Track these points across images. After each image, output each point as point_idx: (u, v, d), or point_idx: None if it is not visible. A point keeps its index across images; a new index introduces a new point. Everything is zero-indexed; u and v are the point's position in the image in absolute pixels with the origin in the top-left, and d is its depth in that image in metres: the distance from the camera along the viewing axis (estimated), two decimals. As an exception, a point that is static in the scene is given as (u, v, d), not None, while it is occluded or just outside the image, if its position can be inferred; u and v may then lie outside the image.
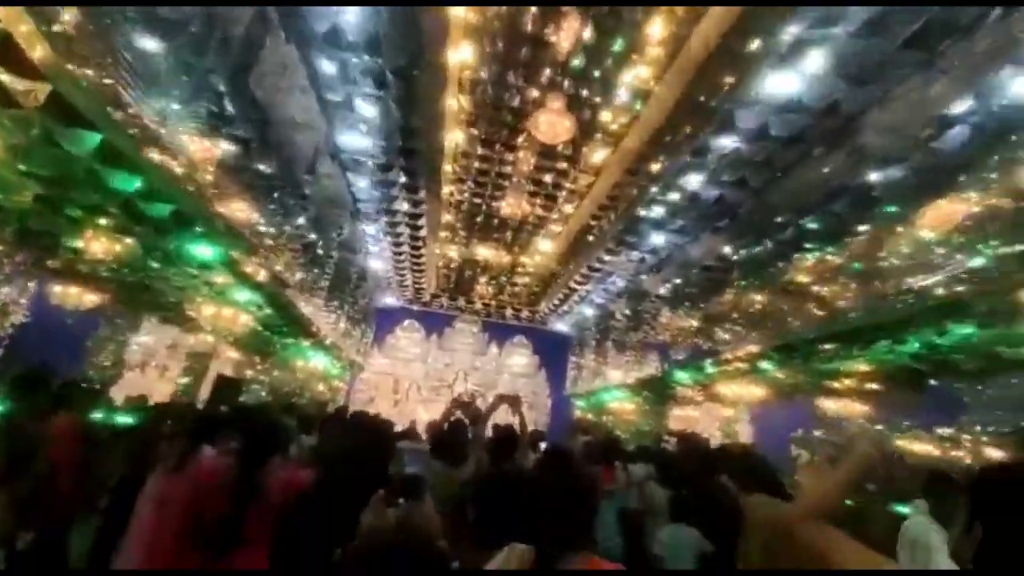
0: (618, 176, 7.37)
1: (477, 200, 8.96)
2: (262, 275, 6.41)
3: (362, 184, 7.49)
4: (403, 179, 7.37)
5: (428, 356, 14.94)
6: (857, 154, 4.95)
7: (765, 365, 6.85)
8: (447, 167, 7.76)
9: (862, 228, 5.99)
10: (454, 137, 7.07)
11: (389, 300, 14.72)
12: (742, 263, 7.39)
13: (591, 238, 9.23)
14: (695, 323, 8.50)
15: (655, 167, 6.66)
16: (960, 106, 3.79)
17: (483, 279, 13.08)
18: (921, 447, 7.57)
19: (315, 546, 1.52)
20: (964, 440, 4.91)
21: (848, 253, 6.45)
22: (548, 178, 7.84)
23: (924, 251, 5.36)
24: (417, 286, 13.61)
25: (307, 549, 1.54)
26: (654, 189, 6.71)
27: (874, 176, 4.99)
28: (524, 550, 1.31)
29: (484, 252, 11.15)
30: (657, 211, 7.16)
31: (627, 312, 10.81)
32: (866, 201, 5.59)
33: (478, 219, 9.69)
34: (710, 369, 7.57)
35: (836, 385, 6.58)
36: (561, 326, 15.03)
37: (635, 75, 5.73)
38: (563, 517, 1.31)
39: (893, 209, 5.02)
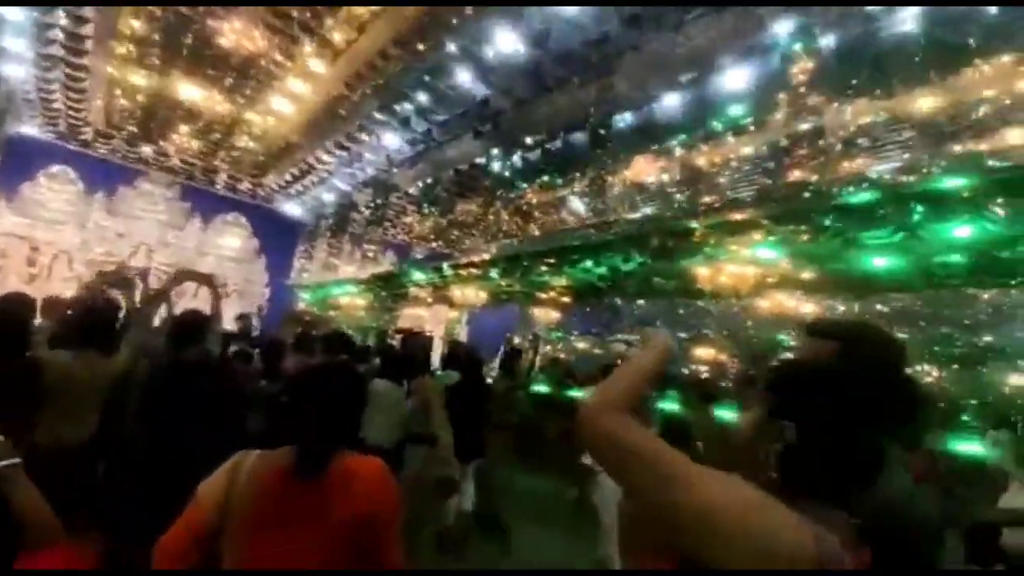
0: (384, 42, 6.34)
1: (186, 12, 6.44)
2: None
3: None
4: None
5: (89, 220, 10.96)
6: (605, 93, 5.45)
7: (493, 273, 7.45)
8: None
9: (590, 164, 6.88)
10: None
11: (28, 129, 9.84)
12: (491, 175, 7.63)
13: (342, 111, 7.96)
14: (438, 226, 8.56)
15: (426, 45, 5.95)
16: (687, 76, 4.45)
17: (187, 128, 9.97)
18: (584, 346, 9.82)
19: None
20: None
21: (576, 185, 7.39)
22: (295, 13, 6.14)
23: (630, 194, 6.59)
24: (73, 115, 9.42)
25: None
26: (422, 68, 6.04)
27: (614, 118, 5.62)
28: (257, 456, 1.24)
29: (191, 91, 8.37)
30: (422, 97, 6.55)
31: (372, 204, 10.10)
32: (597, 140, 6.36)
33: (185, 40, 7.05)
34: (447, 272, 7.82)
35: (543, 296, 7.74)
36: (292, 208, 13.11)
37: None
38: (324, 416, 1.27)
39: (619, 151, 5.82)
